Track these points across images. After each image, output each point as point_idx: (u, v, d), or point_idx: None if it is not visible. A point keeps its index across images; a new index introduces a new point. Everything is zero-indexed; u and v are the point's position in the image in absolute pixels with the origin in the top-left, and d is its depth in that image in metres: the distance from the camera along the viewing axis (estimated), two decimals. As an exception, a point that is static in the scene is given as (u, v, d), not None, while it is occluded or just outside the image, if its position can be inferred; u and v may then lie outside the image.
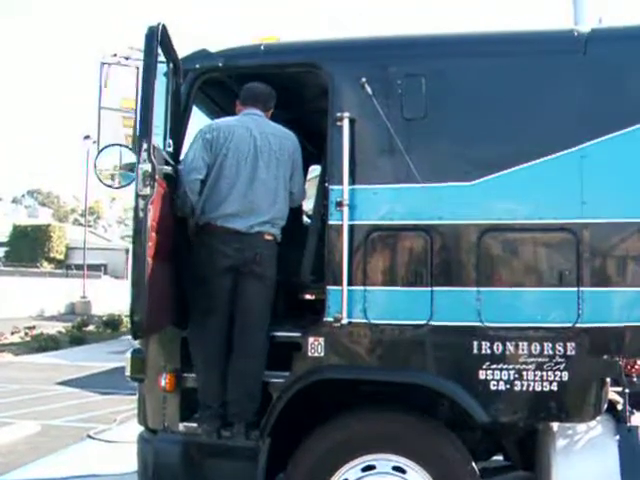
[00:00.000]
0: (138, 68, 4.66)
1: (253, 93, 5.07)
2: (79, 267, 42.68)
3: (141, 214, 4.27)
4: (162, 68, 4.83)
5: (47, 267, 47.01)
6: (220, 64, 4.99)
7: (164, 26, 4.46)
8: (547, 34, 4.76)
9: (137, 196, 4.29)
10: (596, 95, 4.48)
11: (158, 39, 4.39)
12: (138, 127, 4.43)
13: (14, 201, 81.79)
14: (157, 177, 4.29)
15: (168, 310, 4.66)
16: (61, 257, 49.97)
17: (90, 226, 60.58)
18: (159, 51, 4.45)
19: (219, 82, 5.31)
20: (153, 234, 4.32)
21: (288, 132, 5.02)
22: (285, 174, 4.91)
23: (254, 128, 4.87)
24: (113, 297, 35.15)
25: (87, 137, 39.87)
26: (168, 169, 4.61)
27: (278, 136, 4.93)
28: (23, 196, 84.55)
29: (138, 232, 4.29)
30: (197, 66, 5.00)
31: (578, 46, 4.52)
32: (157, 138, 4.53)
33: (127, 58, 4.72)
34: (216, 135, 4.80)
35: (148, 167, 4.28)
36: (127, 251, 45.66)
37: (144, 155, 4.28)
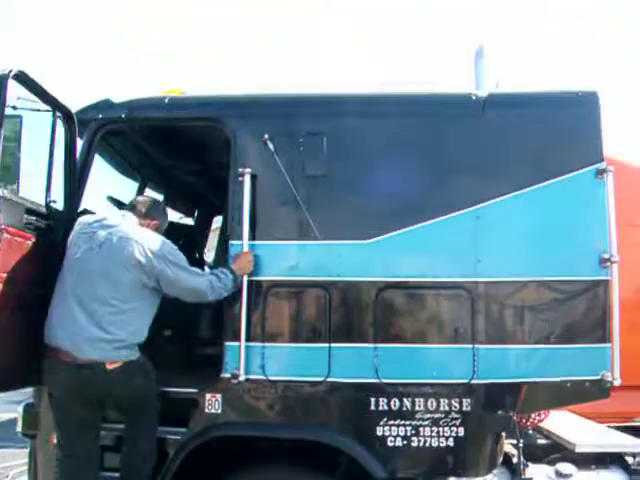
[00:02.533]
0: (21, 117, 4.58)
1: (132, 201, 4.94)
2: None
3: None
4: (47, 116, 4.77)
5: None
6: (123, 115, 4.93)
7: (22, 72, 4.25)
8: (447, 97, 4.89)
9: None
10: (491, 157, 4.62)
11: (5, 86, 4.18)
12: None
13: None
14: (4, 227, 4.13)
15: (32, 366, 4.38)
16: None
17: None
18: (37, 98, 4.39)
19: (122, 133, 5.27)
20: None
21: (144, 237, 4.51)
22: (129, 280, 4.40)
23: (99, 231, 4.49)
24: None
25: None
26: (41, 223, 4.50)
27: (132, 241, 4.43)
28: None
29: None
30: (100, 116, 4.94)
31: (476, 110, 4.67)
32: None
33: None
34: None
35: None
36: None
37: None
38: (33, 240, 4.40)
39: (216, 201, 5.82)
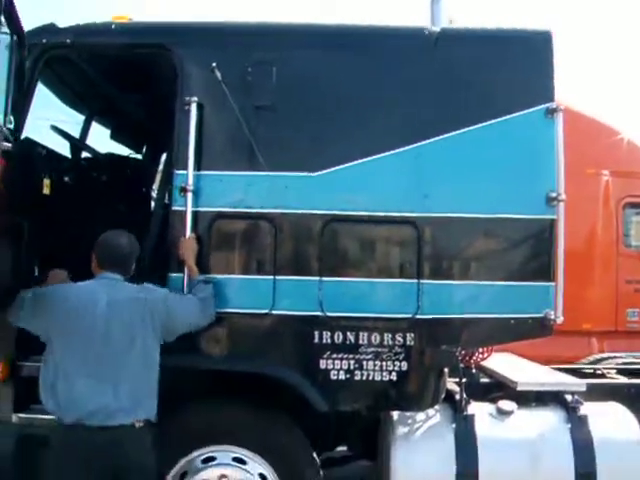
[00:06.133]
0: None
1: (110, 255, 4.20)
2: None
3: None
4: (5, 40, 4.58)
5: None
6: (68, 40, 4.75)
7: None
8: (399, 30, 4.81)
9: None
10: (443, 93, 4.58)
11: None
12: None
13: None
14: None
15: None
16: None
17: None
18: (2, 21, 4.21)
19: (67, 59, 5.09)
20: None
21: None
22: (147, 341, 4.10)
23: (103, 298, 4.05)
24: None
25: None
26: (8, 146, 4.35)
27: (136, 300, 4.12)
28: None
29: None
30: (44, 41, 4.74)
31: (428, 44, 4.61)
32: None
33: None
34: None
35: None
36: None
37: None
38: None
39: (165, 136, 5.67)
